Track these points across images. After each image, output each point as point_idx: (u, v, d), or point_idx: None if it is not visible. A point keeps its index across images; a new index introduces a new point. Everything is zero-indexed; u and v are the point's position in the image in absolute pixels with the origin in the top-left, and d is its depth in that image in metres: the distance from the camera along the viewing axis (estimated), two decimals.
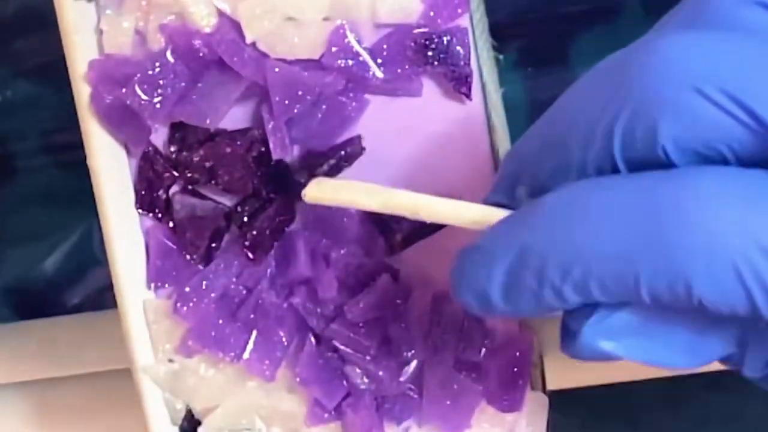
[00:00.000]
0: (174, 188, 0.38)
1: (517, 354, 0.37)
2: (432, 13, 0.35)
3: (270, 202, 0.37)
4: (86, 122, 0.37)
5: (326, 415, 0.38)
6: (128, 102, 0.36)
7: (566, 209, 0.26)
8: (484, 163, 0.36)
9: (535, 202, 0.26)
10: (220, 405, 0.38)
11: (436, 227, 0.36)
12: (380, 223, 0.37)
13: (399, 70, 0.35)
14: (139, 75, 0.36)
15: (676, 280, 0.24)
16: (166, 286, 0.38)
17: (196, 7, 0.36)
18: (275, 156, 0.36)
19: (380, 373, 0.37)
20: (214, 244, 0.37)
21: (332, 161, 0.36)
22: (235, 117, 0.37)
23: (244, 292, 0.37)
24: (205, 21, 0.36)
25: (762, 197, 0.24)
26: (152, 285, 0.38)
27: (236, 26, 0.36)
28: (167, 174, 0.37)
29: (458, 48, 0.35)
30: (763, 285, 0.24)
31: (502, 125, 0.37)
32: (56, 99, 0.48)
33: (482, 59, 0.36)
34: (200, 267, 0.37)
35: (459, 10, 0.35)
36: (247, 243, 0.37)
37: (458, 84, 0.35)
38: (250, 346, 0.37)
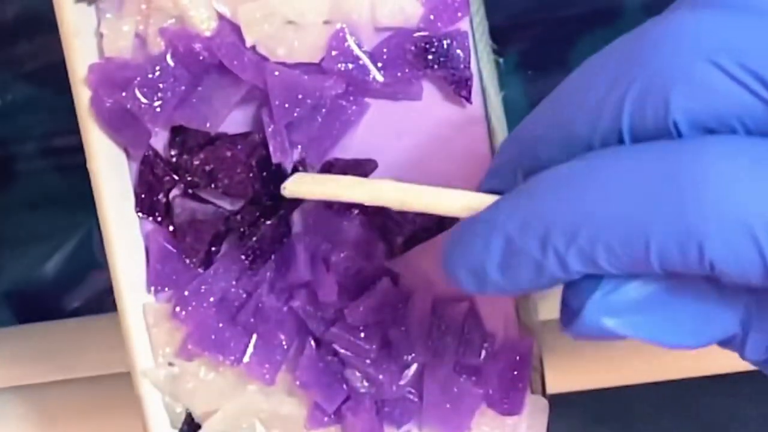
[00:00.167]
0: (174, 192, 0.38)
1: (517, 357, 0.37)
2: (432, 17, 0.35)
3: (269, 211, 0.37)
4: (86, 126, 0.37)
5: (326, 419, 0.38)
6: (128, 105, 0.36)
7: (574, 176, 0.25)
8: (485, 167, 0.36)
9: (539, 175, 0.26)
10: (220, 409, 0.38)
11: (437, 230, 0.36)
12: (380, 227, 0.37)
13: (399, 74, 0.35)
14: (139, 78, 0.36)
15: (688, 241, 0.24)
16: (166, 289, 0.38)
17: (196, 10, 0.36)
18: (275, 160, 0.36)
19: (380, 376, 0.37)
20: (214, 248, 0.37)
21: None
22: (235, 121, 0.37)
23: (244, 295, 0.37)
24: (205, 24, 0.36)
25: None
26: (152, 288, 0.38)
27: (236, 30, 0.36)
28: (167, 177, 0.37)
29: (458, 51, 0.35)
30: None
31: (502, 128, 0.37)
32: (56, 102, 0.49)
33: (482, 62, 0.36)
34: (200, 271, 0.37)
35: (459, 14, 0.35)
36: (244, 255, 0.37)
37: (458, 87, 0.35)
38: (250, 349, 0.37)
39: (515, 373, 0.37)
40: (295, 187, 0.32)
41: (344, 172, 0.36)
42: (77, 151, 0.37)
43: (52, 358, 0.46)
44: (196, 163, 0.37)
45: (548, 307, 0.39)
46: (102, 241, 0.37)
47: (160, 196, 0.38)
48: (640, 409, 0.49)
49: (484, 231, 0.26)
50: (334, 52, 0.35)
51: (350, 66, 0.35)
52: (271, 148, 0.36)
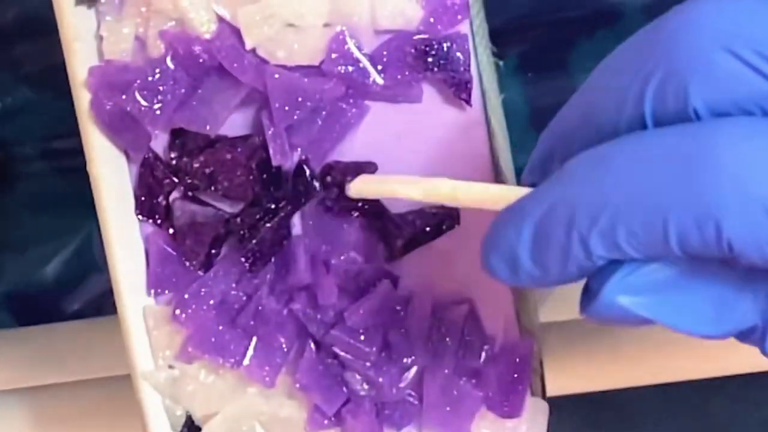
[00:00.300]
0: (174, 194, 0.38)
1: (517, 360, 0.37)
2: (432, 20, 0.35)
3: (269, 214, 0.37)
4: (86, 128, 0.37)
5: (326, 422, 0.38)
6: (128, 108, 0.36)
7: (596, 160, 0.26)
8: (485, 169, 0.36)
9: (567, 163, 0.26)
10: (220, 411, 0.38)
11: (436, 233, 0.36)
12: (380, 229, 0.37)
13: (399, 77, 0.35)
14: (139, 81, 0.36)
15: (706, 221, 0.24)
16: (166, 292, 0.38)
17: (195, 13, 0.36)
18: (275, 162, 0.36)
19: (380, 379, 0.37)
20: (213, 251, 0.37)
21: (349, 178, 0.36)
22: (235, 123, 0.37)
23: (244, 298, 0.37)
24: (204, 27, 0.36)
25: None
26: (152, 291, 0.38)
27: (236, 32, 0.36)
28: (167, 180, 0.37)
29: (458, 54, 0.35)
30: None
31: (502, 131, 0.37)
32: (56, 105, 0.48)
33: (482, 65, 0.36)
34: (200, 273, 0.37)
35: (459, 17, 0.35)
36: (244, 258, 0.37)
37: (458, 90, 0.35)
38: (250, 352, 0.37)
39: (515, 375, 0.37)
40: (361, 186, 0.32)
41: (344, 175, 0.36)
42: (77, 153, 0.37)
43: (51, 361, 0.46)
44: (196, 165, 0.37)
45: (548, 309, 0.39)
46: (102, 243, 0.37)
47: (160, 198, 0.38)
48: (640, 411, 0.49)
49: (515, 219, 0.27)
50: (334, 55, 0.35)
51: (350, 69, 0.35)
52: (271, 151, 0.36)
